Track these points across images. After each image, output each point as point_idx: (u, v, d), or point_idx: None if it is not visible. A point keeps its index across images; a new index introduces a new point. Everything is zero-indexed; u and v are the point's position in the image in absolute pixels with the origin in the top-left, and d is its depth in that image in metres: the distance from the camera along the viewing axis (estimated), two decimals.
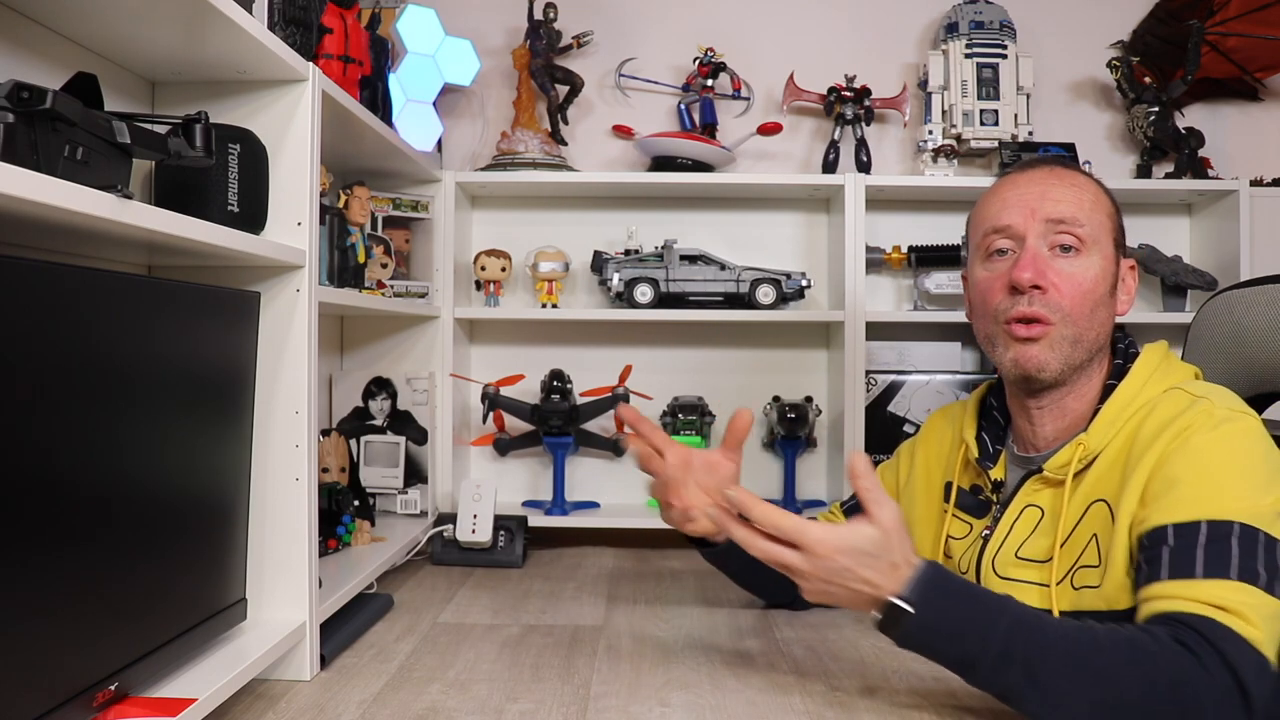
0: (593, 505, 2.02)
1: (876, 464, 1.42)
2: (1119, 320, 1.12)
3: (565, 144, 2.07)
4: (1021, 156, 1.99)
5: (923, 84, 2.09)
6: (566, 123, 2.08)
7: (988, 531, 1.13)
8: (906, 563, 0.91)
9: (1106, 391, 1.07)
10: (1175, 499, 0.92)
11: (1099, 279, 1.06)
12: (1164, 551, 0.90)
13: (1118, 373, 1.09)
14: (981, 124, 2.01)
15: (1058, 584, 1.02)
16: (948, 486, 1.23)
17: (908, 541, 0.93)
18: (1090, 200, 1.08)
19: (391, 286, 1.73)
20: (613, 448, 1.99)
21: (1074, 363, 1.06)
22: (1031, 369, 1.06)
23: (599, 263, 1.96)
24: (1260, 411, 1.20)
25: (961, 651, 0.89)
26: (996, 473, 1.16)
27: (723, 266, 1.95)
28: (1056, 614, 1.00)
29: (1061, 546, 1.03)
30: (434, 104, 1.90)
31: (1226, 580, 0.86)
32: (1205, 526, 0.89)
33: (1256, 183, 1.98)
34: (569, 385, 1.93)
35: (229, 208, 1.07)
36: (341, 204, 1.45)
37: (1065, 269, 1.06)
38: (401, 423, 1.88)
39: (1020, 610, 0.90)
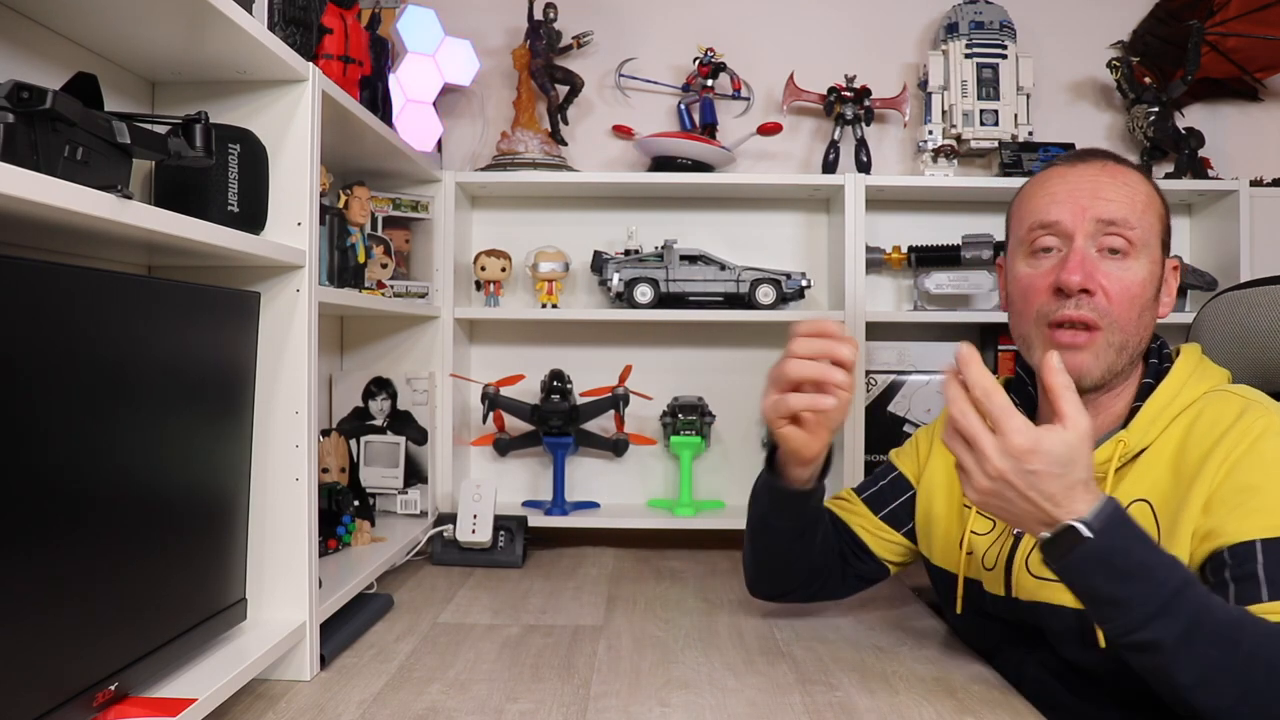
0: (593, 505, 2.02)
1: (879, 464, 1.42)
2: None
3: (565, 144, 2.07)
4: (1021, 157, 1.99)
5: (923, 84, 2.09)
6: (566, 123, 2.08)
7: (1019, 529, 1.12)
8: (1090, 485, 0.85)
9: (1144, 390, 1.06)
10: (1253, 509, 0.91)
11: (1146, 283, 1.04)
12: (1257, 569, 0.89)
13: (1155, 373, 1.07)
14: (981, 124, 2.01)
15: None
16: None
17: (1092, 464, 0.87)
18: (1143, 201, 1.05)
19: (391, 286, 1.73)
20: (613, 448, 1.99)
21: (1116, 368, 1.05)
22: (1073, 377, 1.04)
23: (599, 263, 1.96)
24: None
25: (1127, 592, 0.84)
26: None
27: (723, 266, 1.95)
28: None
29: None
30: (434, 104, 1.90)
31: None
32: None
33: (1256, 183, 1.98)
34: (569, 385, 1.93)
35: (229, 208, 1.07)
36: (341, 204, 1.45)
37: (1114, 272, 1.03)
38: (401, 423, 1.88)
39: (1188, 571, 0.86)
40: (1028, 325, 1.08)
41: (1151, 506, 1.00)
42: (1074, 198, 1.05)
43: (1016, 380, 1.21)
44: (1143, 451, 1.03)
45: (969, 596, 1.18)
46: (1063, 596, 1.00)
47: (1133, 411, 1.05)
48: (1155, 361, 1.09)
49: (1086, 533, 0.84)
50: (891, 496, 1.31)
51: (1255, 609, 0.87)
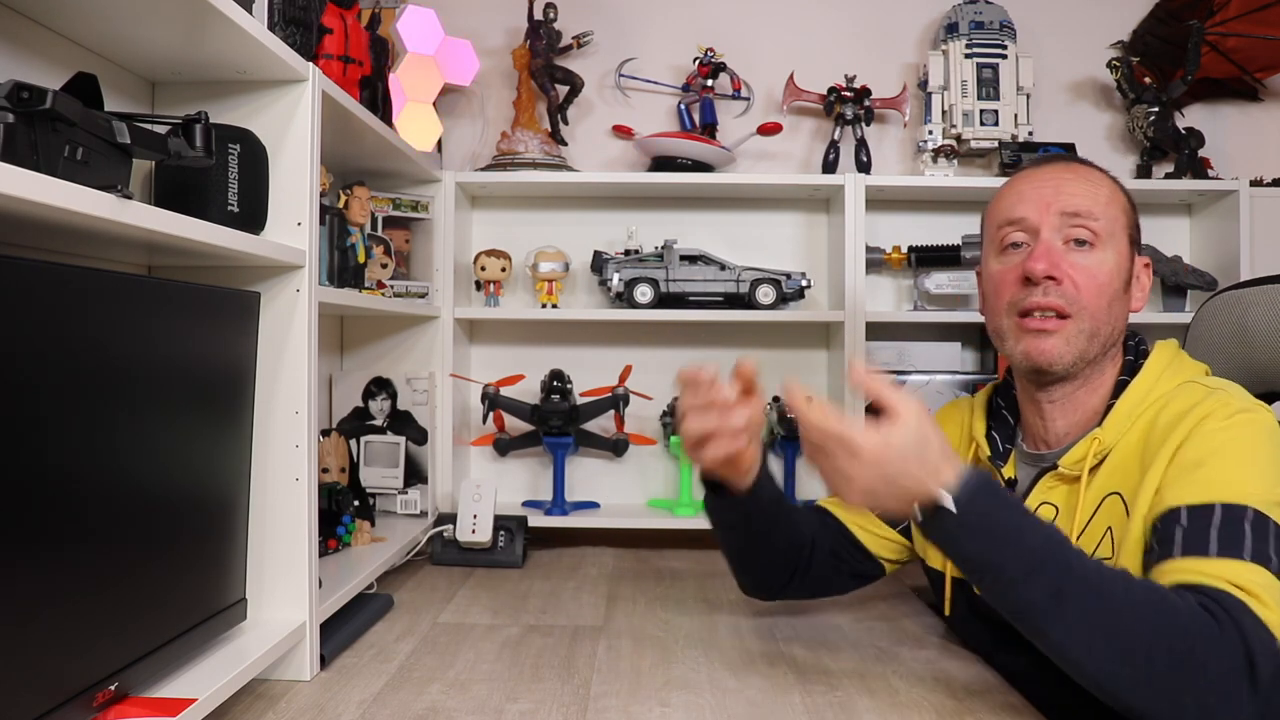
0: (593, 505, 2.02)
1: None
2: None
3: (565, 144, 2.07)
4: (1022, 157, 1.99)
5: (923, 84, 2.09)
6: (566, 123, 2.08)
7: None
8: (949, 460, 0.90)
9: (1120, 388, 1.08)
10: (1191, 481, 0.93)
11: (1114, 273, 1.07)
12: (1177, 531, 0.90)
13: (1130, 369, 1.09)
14: (981, 124, 2.01)
15: None
16: None
17: (944, 435, 0.91)
18: (1106, 195, 1.09)
19: (391, 286, 1.73)
20: (613, 448, 1.99)
21: (1088, 356, 1.07)
22: (1044, 362, 1.06)
23: (599, 263, 1.96)
24: None
25: (997, 556, 0.88)
26: (1008, 471, 1.15)
27: (723, 266, 1.95)
28: None
29: (1077, 540, 1.03)
30: (434, 104, 1.90)
31: (1240, 560, 0.86)
32: (1220, 509, 0.90)
33: (1256, 183, 1.98)
34: (569, 385, 1.93)
35: (229, 208, 1.07)
36: (341, 204, 1.45)
37: (1080, 262, 1.06)
38: (401, 423, 1.88)
39: (1058, 533, 0.90)
40: (1000, 318, 1.11)
41: (1123, 498, 1.01)
42: (1039, 194, 1.09)
43: (1004, 385, 1.22)
44: (1116, 447, 1.05)
45: (961, 597, 1.18)
46: None
47: (1108, 409, 1.07)
48: (1132, 359, 1.10)
49: (951, 504, 0.88)
50: None
51: (1162, 566, 0.90)
